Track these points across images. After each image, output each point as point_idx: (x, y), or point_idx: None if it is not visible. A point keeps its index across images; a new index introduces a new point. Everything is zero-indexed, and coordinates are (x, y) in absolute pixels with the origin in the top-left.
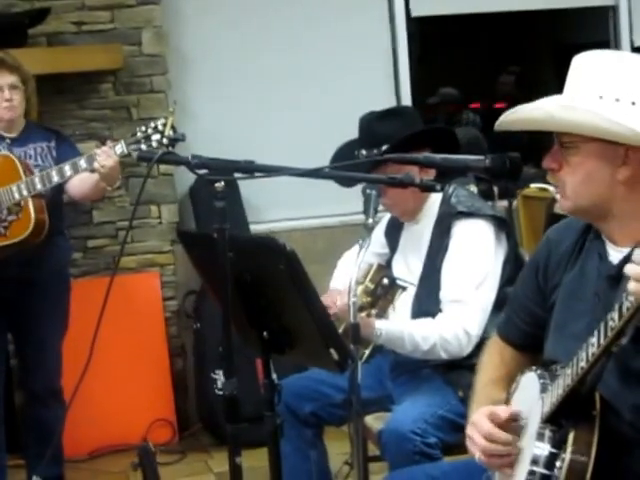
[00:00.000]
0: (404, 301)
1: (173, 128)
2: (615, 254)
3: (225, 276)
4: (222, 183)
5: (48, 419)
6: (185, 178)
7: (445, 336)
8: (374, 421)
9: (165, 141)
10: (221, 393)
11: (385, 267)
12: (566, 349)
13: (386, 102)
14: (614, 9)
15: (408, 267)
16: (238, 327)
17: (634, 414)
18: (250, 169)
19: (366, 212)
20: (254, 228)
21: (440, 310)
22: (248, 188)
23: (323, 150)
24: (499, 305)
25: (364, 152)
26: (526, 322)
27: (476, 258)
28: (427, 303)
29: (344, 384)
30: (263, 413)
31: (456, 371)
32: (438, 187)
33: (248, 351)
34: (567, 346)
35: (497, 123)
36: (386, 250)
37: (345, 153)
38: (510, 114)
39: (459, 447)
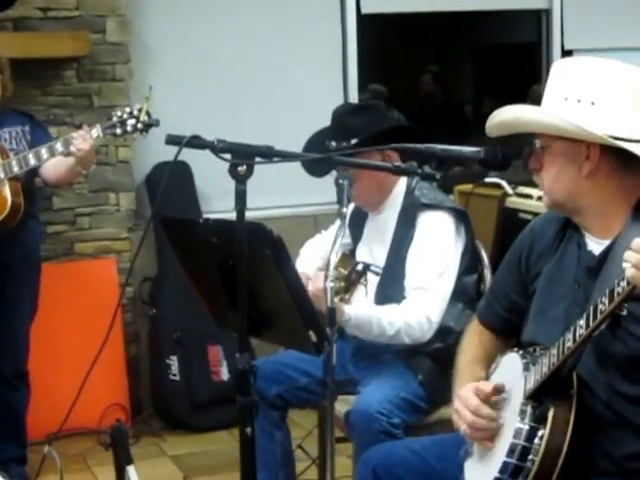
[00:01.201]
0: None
1: (148, 114)
2: (594, 245)
3: (240, 258)
4: (244, 167)
5: (14, 401)
6: (142, 166)
7: (409, 322)
8: (338, 404)
9: (140, 126)
10: (175, 378)
11: (349, 255)
12: (546, 332)
13: (335, 95)
14: (547, 12)
15: (372, 256)
16: (215, 311)
17: (608, 394)
18: (270, 154)
19: (340, 201)
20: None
21: (404, 297)
22: (202, 178)
23: (282, 139)
24: (456, 294)
25: (334, 143)
26: (505, 308)
27: (439, 248)
28: (391, 290)
29: (308, 368)
30: (220, 398)
31: (416, 357)
32: (438, 176)
33: (204, 338)
34: (547, 329)
35: (487, 131)
36: (348, 240)
37: (316, 143)
38: (489, 121)
39: (418, 428)
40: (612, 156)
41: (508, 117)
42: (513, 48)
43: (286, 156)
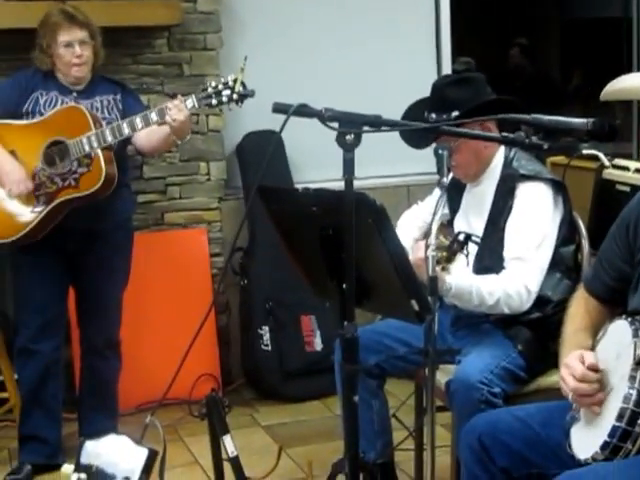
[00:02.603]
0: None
1: (243, 84)
2: None
3: (348, 228)
4: (352, 135)
5: (105, 371)
6: (232, 135)
7: (509, 292)
8: (436, 373)
9: (235, 97)
10: (267, 348)
11: (447, 226)
12: None
13: (428, 65)
14: None
15: (470, 226)
16: (313, 280)
17: None
18: (378, 123)
19: (440, 171)
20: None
21: (502, 267)
22: (293, 149)
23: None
24: (554, 264)
25: (434, 115)
26: (612, 277)
27: (537, 219)
28: (489, 260)
29: (406, 337)
30: (313, 368)
31: (515, 326)
32: (546, 146)
33: (297, 308)
34: None
35: (602, 94)
36: (446, 210)
37: (414, 114)
38: (611, 85)
39: (517, 397)
40: None
41: (633, 84)
42: (601, 22)
43: (394, 125)
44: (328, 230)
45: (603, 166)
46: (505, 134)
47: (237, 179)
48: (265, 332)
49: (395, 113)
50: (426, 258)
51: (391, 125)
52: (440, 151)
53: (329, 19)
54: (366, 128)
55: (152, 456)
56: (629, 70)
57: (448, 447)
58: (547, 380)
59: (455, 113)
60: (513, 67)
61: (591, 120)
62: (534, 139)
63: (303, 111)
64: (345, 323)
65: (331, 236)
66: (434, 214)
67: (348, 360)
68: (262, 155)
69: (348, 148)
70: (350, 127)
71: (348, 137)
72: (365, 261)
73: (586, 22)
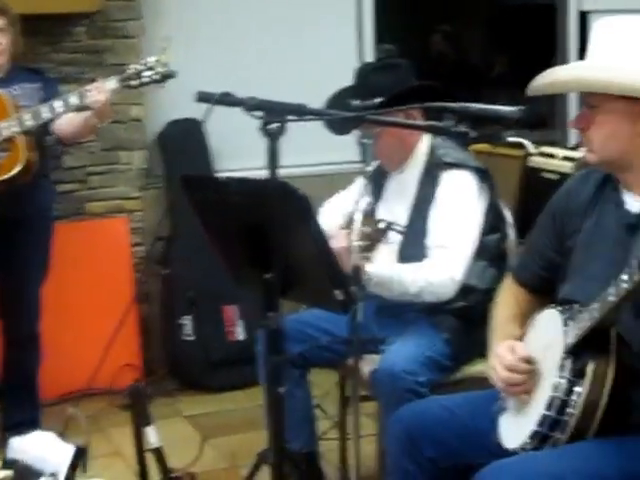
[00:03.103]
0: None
1: (165, 64)
2: (633, 202)
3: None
4: (276, 125)
5: (26, 364)
6: (154, 124)
7: (432, 280)
8: (361, 363)
9: (157, 77)
10: (189, 338)
11: (370, 214)
12: (583, 290)
13: (350, 52)
14: None
15: (393, 214)
16: (235, 270)
17: None
18: (302, 112)
19: (363, 160)
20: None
21: (426, 256)
22: (215, 137)
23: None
24: (479, 253)
25: (358, 102)
26: (541, 266)
27: (462, 208)
28: (413, 249)
29: (329, 327)
30: (235, 358)
31: (440, 315)
32: (473, 134)
33: (219, 298)
34: (584, 287)
35: (529, 89)
36: (369, 199)
37: (339, 100)
38: (539, 80)
39: (443, 386)
40: None
41: (568, 76)
42: (527, 9)
43: (319, 114)
44: (251, 220)
45: (529, 154)
46: (431, 122)
47: (159, 168)
48: (187, 322)
49: (317, 100)
50: (349, 247)
51: (316, 114)
52: (363, 140)
53: (251, 5)
54: (290, 117)
55: (79, 453)
56: (554, 57)
57: (373, 437)
58: (473, 369)
59: (379, 99)
60: (436, 54)
61: (520, 107)
62: (461, 127)
63: (227, 100)
64: (269, 314)
65: (255, 226)
66: (357, 203)
67: (273, 351)
68: (184, 144)
69: (273, 137)
70: (274, 116)
71: (272, 126)
72: (289, 251)
73: (513, 9)
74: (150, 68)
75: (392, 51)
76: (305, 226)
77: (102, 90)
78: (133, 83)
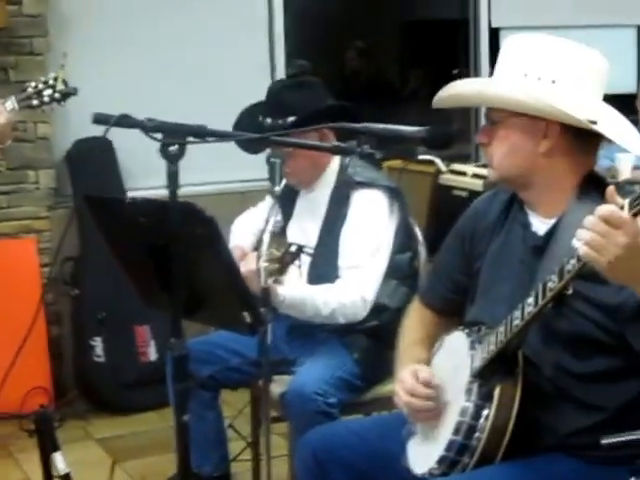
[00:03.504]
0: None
1: (65, 82)
2: (539, 224)
3: (175, 241)
4: (176, 147)
5: None
6: (62, 142)
7: (344, 301)
8: (271, 384)
9: (57, 96)
10: (100, 360)
11: (280, 234)
12: (490, 312)
13: (262, 69)
14: None
15: (304, 233)
16: (144, 291)
17: (554, 371)
18: (203, 133)
19: (272, 180)
20: (131, 195)
21: (337, 276)
22: (125, 155)
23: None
24: (390, 272)
25: (269, 120)
26: (448, 288)
27: (373, 227)
28: (324, 269)
29: (239, 348)
30: (148, 379)
31: (351, 334)
32: (378, 155)
33: (131, 319)
34: (491, 309)
35: (434, 102)
36: (279, 217)
37: (248, 118)
38: (443, 92)
39: (355, 406)
40: (570, 135)
41: (469, 91)
42: (440, 24)
43: (220, 136)
44: (156, 241)
45: (439, 171)
46: (337, 143)
47: (67, 187)
48: (98, 343)
49: (228, 118)
50: (258, 270)
51: (218, 135)
52: (272, 159)
53: (160, 23)
54: (190, 139)
55: None
56: (467, 72)
57: (287, 457)
58: (384, 388)
59: (292, 118)
60: (350, 70)
61: (424, 128)
62: (366, 148)
63: (124, 122)
64: (172, 340)
65: (160, 247)
66: (265, 224)
67: (178, 378)
68: (93, 162)
69: (172, 160)
70: (174, 138)
71: (172, 148)
72: (196, 272)
73: (425, 23)
74: (50, 86)
75: (305, 67)
76: (211, 248)
77: (0, 111)
78: (34, 103)
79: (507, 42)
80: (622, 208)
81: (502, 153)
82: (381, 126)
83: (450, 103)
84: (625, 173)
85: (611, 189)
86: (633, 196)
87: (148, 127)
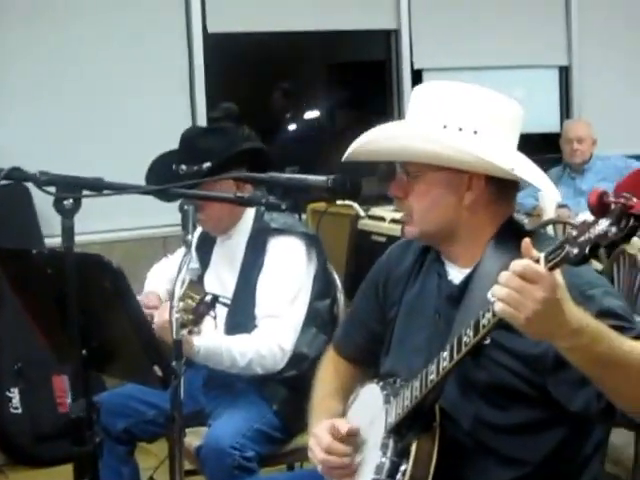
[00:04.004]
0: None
1: None
2: (455, 273)
3: (72, 296)
4: (71, 201)
5: None
6: None
7: (261, 352)
8: (189, 436)
9: None
10: (17, 411)
11: (197, 282)
12: (406, 363)
13: (182, 117)
14: (396, 32)
15: (221, 282)
16: (54, 344)
17: (472, 424)
18: (99, 186)
19: (185, 227)
20: (49, 242)
21: (255, 325)
22: (42, 199)
23: (128, 164)
24: (309, 319)
25: (184, 167)
26: (363, 337)
27: (290, 275)
28: (241, 318)
29: (155, 400)
30: (64, 430)
31: (270, 385)
32: (284, 206)
33: (48, 368)
34: (407, 360)
35: (346, 155)
36: (196, 265)
37: (162, 166)
38: (361, 146)
39: (274, 457)
40: (493, 185)
41: (392, 147)
42: (365, 65)
43: (117, 188)
44: (63, 292)
45: (358, 216)
46: (240, 195)
47: None
48: (15, 394)
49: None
50: (171, 321)
51: (115, 188)
52: (185, 207)
53: (77, 67)
54: (86, 192)
55: None
56: (392, 113)
57: None
58: (305, 439)
59: (207, 164)
60: (277, 111)
61: (331, 178)
62: (272, 198)
63: (15, 175)
64: (69, 401)
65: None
66: (178, 273)
67: (76, 442)
68: (9, 209)
69: (66, 214)
70: (68, 191)
71: (66, 202)
72: (105, 325)
73: (351, 65)
74: None
75: (231, 109)
76: (120, 300)
77: None
78: None
79: (420, 91)
80: (537, 261)
81: (423, 209)
82: (286, 176)
83: (371, 158)
84: (550, 211)
85: (527, 242)
86: (548, 250)
87: (40, 181)
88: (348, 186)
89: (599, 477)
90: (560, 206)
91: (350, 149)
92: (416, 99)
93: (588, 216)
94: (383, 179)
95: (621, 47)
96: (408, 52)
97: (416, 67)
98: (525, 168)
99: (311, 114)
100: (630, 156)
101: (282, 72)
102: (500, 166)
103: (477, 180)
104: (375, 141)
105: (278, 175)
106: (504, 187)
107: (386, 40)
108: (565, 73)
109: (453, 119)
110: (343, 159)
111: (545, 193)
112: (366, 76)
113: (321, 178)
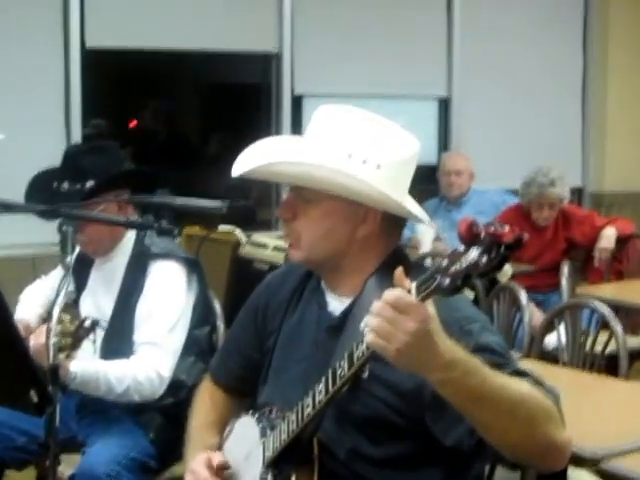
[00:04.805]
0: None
1: None
2: (335, 304)
3: None
4: None
5: None
6: None
7: (139, 379)
8: (61, 464)
9: None
10: None
11: (72, 305)
12: (282, 394)
13: (56, 134)
14: (277, 56)
15: (97, 306)
16: None
17: (350, 456)
18: None
19: (64, 249)
20: None
21: (132, 351)
22: None
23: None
24: (188, 347)
25: (66, 185)
26: (240, 365)
27: (170, 301)
28: (118, 343)
29: (25, 426)
30: None
31: (146, 413)
32: (176, 231)
33: None
34: (284, 391)
35: (242, 172)
36: (72, 288)
37: (41, 184)
38: (262, 166)
39: None
40: (389, 220)
41: (294, 171)
42: (241, 87)
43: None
44: None
45: (240, 242)
46: (132, 219)
47: None
48: None
49: (23, 182)
50: (47, 345)
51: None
52: (64, 227)
53: None
54: None
55: None
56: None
57: None
58: (181, 469)
59: (90, 182)
60: (148, 131)
61: (225, 204)
62: (164, 223)
63: None
64: None
65: None
66: (56, 296)
67: None
68: None
69: None
70: None
71: None
72: None
73: (226, 86)
74: None
75: (101, 126)
76: None
77: None
78: None
79: (325, 112)
80: (409, 292)
81: (314, 236)
82: (181, 201)
83: (271, 179)
84: (426, 244)
85: (399, 271)
86: (420, 280)
87: None
88: (243, 213)
89: None
90: (436, 239)
91: (249, 166)
92: (320, 121)
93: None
94: (256, 204)
95: (502, 81)
96: (289, 77)
97: (296, 93)
98: (412, 202)
99: (184, 135)
100: (507, 190)
101: (157, 90)
102: (399, 203)
103: (373, 214)
104: (280, 163)
105: (173, 199)
106: (396, 222)
107: (267, 63)
108: (445, 105)
109: (358, 150)
110: (235, 174)
111: (423, 227)
112: (243, 99)
113: (217, 203)
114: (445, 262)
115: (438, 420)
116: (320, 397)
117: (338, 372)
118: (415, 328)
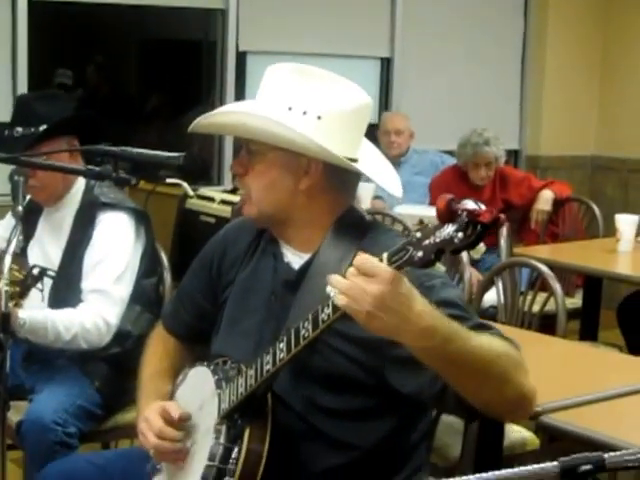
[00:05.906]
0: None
1: None
2: (292, 257)
3: None
4: None
5: None
6: None
7: (86, 326)
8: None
9: None
10: None
11: (20, 255)
12: (236, 345)
13: (3, 87)
14: (223, 12)
15: (45, 255)
16: None
17: (305, 408)
18: None
19: (15, 199)
20: None
21: (80, 300)
22: None
23: None
24: (135, 297)
25: (20, 129)
26: (193, 315)
27: (118, 250)
28: (66, 292)
29: None
30: None
31: (92, 362)
32: (134, 181)
33: None
34: (237, 342)
35: (192, 126)
36: (20, 237)
37: None
38: (205, 118)
39: (95, 434)
40: (332, 173)
41: (234, 121)
42: (183, 44)
43: None
44: None
45: (187, 195)
46: (91, 167)
47: None
48: None
49: None
50: None
51: None
52: (16, 177)
53: None
54: None
55: None
56: (212, 93)
57: None
58: (125, 417)
59: (43, 126)
60: (91, 85)
61: (181, 155)
62: (122, 173)
63: None
64: None
65: None
66: (7, 245)
67: None
68: None
69: None
70: None
71: None
72: None
73: (166, 43)
74: None
75: (70, 76)
76: None
77: None
78: None
79: (270, 71)
80: (381, 261)
81: (260, 188)
82: (139, 150)
83: (210, 130)
84: (365, 202)
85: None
86: (391, 251)
87: None
88: (199, 164)
89: (424, 465)
90: (375, 197)
91: (196, 122)
92: (267, 79)
93: (404, 210)
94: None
95: (444, 44)
96: (234, 33)
97: (241, 49)
98: (368, 159)
99: (126, 90)
100: (444, 151)
101: (101, 45)
102: (337, 155)
103: (315, 166)
104: (218, 114)
105: (130, 150)
106: (343, 176)
107: (210, 19)
108: (387, 65)
109: (298, 102)
110: (190, 129)
111: (363, 184)
112: (187, 55)
113: (173, 155)
114: (418, 234)
115: (400, 370)
116: (281, 355)
117: (302, 333)
118: (382, 290)
